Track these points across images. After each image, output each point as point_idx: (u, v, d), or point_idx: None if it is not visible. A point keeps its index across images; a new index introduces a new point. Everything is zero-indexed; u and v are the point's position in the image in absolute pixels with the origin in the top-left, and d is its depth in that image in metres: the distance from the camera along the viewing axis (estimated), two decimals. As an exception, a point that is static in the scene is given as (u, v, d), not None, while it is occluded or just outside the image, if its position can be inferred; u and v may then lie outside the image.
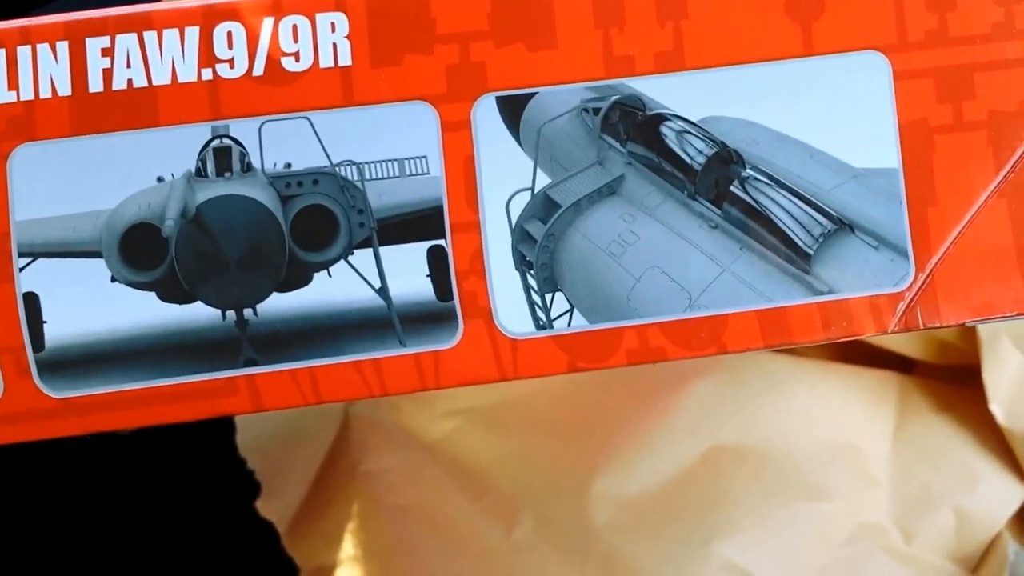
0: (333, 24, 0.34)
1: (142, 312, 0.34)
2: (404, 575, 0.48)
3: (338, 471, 0.50)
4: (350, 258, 0.35)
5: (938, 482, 0.48)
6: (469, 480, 0.48)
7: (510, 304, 0.35)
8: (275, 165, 0.34)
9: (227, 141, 0.34)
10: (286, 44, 0.34)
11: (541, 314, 0.35)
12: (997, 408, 0.48)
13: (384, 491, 0.48)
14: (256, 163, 0.34)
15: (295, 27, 0.34)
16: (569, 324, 0.35)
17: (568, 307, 0.35)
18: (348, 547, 0.48)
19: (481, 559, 0.47)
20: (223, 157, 0.34)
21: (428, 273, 0.35)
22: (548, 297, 0.35)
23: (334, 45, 0.34)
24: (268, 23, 0.34)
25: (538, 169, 0.35)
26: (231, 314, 0.34)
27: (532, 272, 0.35)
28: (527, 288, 0.35)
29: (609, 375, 0.50)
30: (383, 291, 0.34)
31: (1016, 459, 0.48)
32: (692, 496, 0.47)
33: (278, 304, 0.34)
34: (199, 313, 0.34)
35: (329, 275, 0.35)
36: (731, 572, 0.46)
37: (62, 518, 0.54)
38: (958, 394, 0.50)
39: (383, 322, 0.34)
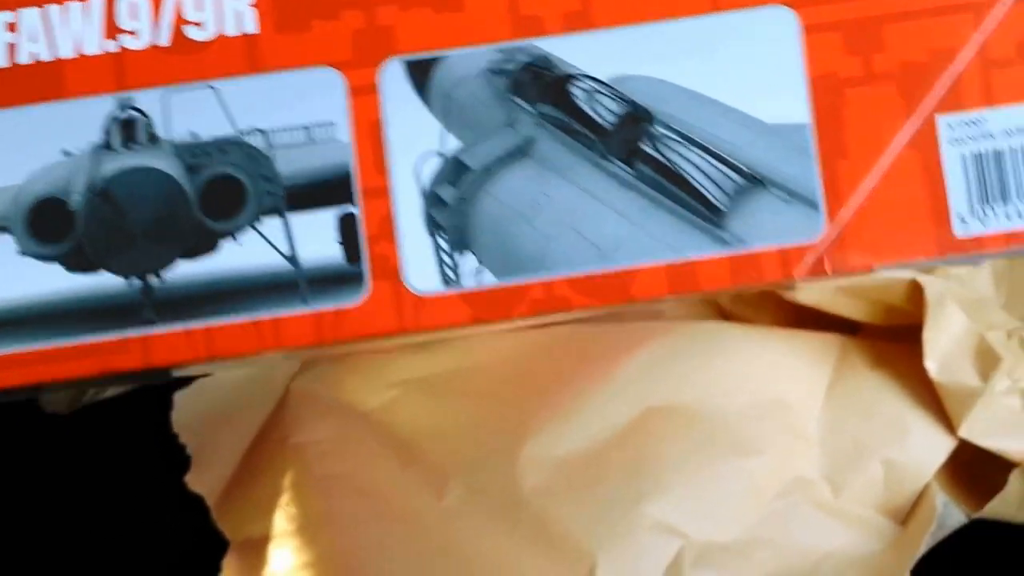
0: (237, -10, 0.34)
1: (47, 282, 0.34)
2: (332, 545, 0.47)
3: (269, 443, 0.49)
4: (258, 226, 0.34)
5: (867, 435, 0.48)
6: (400, 448, 0.48)
7: (419, 265, 0.35)
8: (181, 135, 0.34)
9: (132, 112, 0.34)
10: (190, 13, 0.34)
11: (450, 272, 0.35)
12: (932, 363, 0.48)
13: (313, 461, 0.48)
14: (162, 133, 0.34)
15: (198, -5, 0.34)
16: (478, 282, 0.35)
17: (478, 266, 0.35)
18: (277, 519, 0.48)
19: (410, 527, 0.47)
20: (128, 129, 0.34)
21: (338, 239, 0.34)
22: (458, 257, 0.35)
23: (239, 12, 0.34)
24: (170, -9, 0.34)
25: (448, 133, 0.35)
26: (136, 280, 0.34)
27: (443, 235, 0.35)
28: (438, 250, 0.35)
29: (553, 344, 0.50)
30: (292, 258, 0.34)
31: (945, 411, 0.48)
32: (622, 457, 0.47)
33: (184, 270, 0.34)
34: (104, 280, 0.34)
35: (237, 241, 0.34)
36: (661, 531, 0.46)
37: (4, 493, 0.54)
38: (897, 351, 0.50)
39: (290, 285, 0.34)
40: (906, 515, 0.48)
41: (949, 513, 0.47)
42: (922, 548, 0.46)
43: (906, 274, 0.49)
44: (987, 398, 0.48)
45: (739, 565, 0.47)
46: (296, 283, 0.34)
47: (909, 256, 0.35)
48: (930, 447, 0.48)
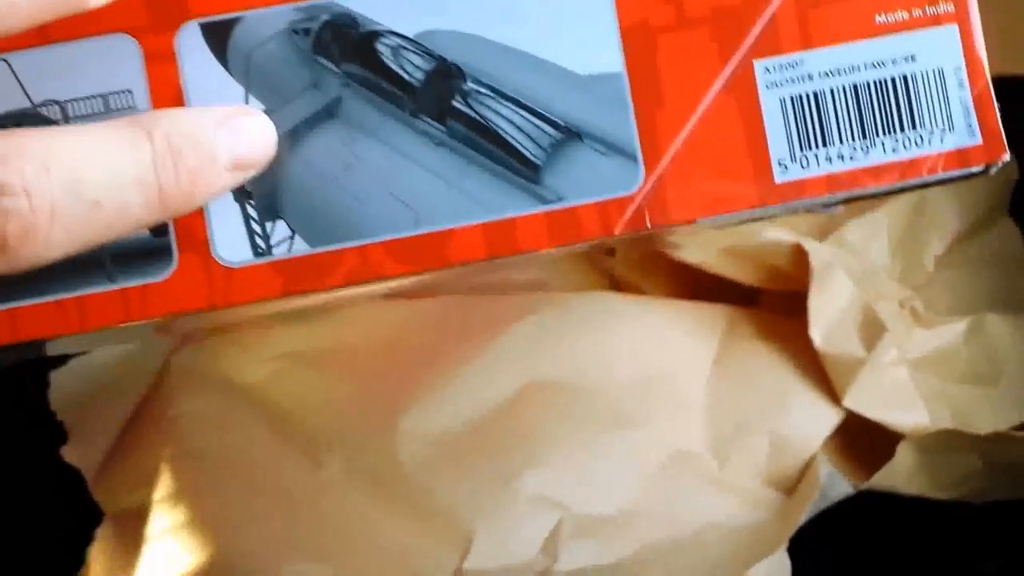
0: (21, -41, 0.33)
1: None
2: (208, 518, 0.47)
3: (147, 417, 0.49)
4: (60, 200, 0.33)
5: (752, 407, 0.47)
6: (278, 421, 0.47)
7: (229, 235, 0.34)
8: (-25, 110, 0.33)
9: (-75, 88, 0.33)
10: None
11: (261, 242, 0.34)
12: (816, 332, 0.47)
13: (188, 434, 0.48)
14: (-44, 109, 0.33)
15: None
16: (290, 250, 0.34)
17: (290, 234, 0.34)
18: (153, 491, 0.47)
19: (286, 500, 0.46)
20: (-78, 105, 0.33)
21: (143, 210, 0.34)
22: (269, 225, 0.34)
23: (28, -19, 0.33)
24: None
25: (251, 96, 0.34)
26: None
27: (251, 202, 0.34)
28: (247, 218, 0.34)
29: (435, 316, 0.49)
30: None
31: (830, 383, 0.47)
32: (501, 431, 0.46)
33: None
34: None
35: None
36: (539, 503, 0.45)
37: None
38: (786, 323, 0.49)
39: (93, 261, 0.33)
40: (791, 487, 0.47)
41: (834, 484, 0.46)
42: (803, 518, 0.46)
43: (790, 238, 0.48)
44: (872, 368, 0.47)
45: (619, 535, 0.46)
46: (101, 260, 0.33)
47: (731, 207, 0.34)
48: (815, 419, 0.47)
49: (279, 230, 0.34)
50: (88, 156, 0.29)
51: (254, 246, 0.34)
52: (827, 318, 0.47)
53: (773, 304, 0.50)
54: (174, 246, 0.34)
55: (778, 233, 0.48)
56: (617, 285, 0.51)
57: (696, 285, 0.51)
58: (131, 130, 0.30)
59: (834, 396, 0.47)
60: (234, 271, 0.34)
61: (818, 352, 0.47)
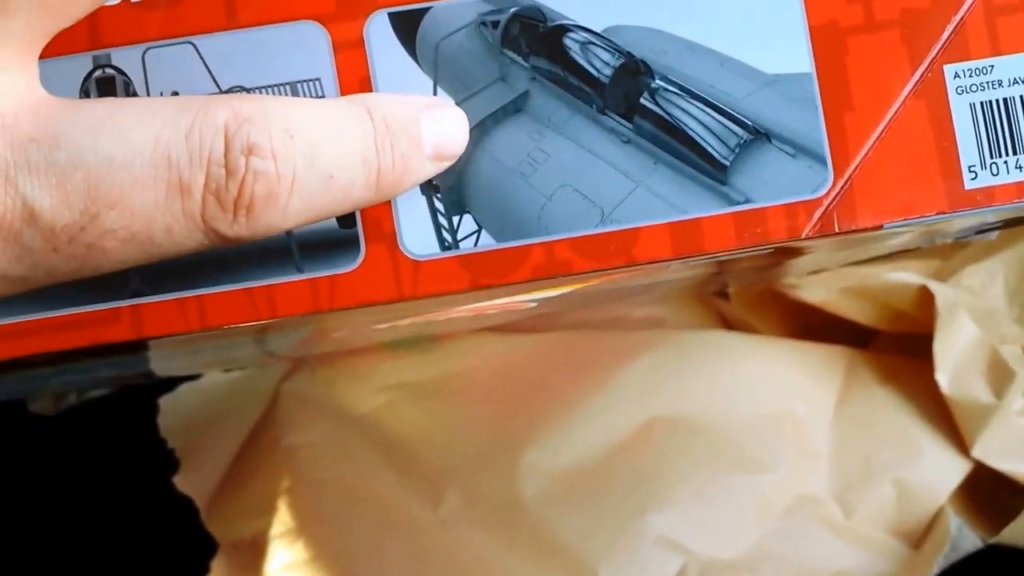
0: (212, -57, 0.33)
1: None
2: (326, 547, 0.46)
3: (261, 445, 0.48)
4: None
5: (879, 454, 0.46)
6: (395, 453, 0.46)
7: (416, 227, 0.33)
8: (161, 94, 0.33)
9: (110, 71, 0.33)
10: (164, -33, 0.33)
11: (447, 236, 0.33)
12: (942, 376, 0.46)
13: (306, 464, 0.46)
14: (141, 93, 0.33)
15: (174, -52, 0.33)
16: (476, 244, 0.33)
17: (476, 228, 0.33)
18: (267, 521, 0.46)
19: (405, 534, 0.45)
20: (107, 88, 0.33)
21: (328, 200, 0.33)
22: (455, 219, 0.33)
23: (215, -34, 0.33)
24: (145, -55, 0.33)
25: (439, 88, 0.33)
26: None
27: (439, 195, 0.33)
28: (434, 211, 0.33)
29: (549, 350, 0.48)
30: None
31: (959, 432, 0.46)
32: (625, 468, 0.45)
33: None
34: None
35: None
36: (665, 546, 0.44)
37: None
38: (907, 365, 0.48)
39: (281, 251, 0.33)
40: (919, 538, 0.46)
41: (963, 536, 0.45)
42: (934, 571, 0.45)
43: (916, 279, 0.47)
44: (1002, 416, 0.46)
45: (744, 582, 0.45)
46: (289, 250, 0.33)
47: (920, 211, 0.34)
48: (944, 468, 0.46)
49: (466, 224, 0.33)
50: (324, 128, 0.29)
51: (441, 240, 0.33)
52: (953, 361, 0.46)
53: (888, 346, 0.50)
54: (362, 237, 0.33)
55: (903, 275, 0.48)
56: (730, 326, 0.51)
57: (809, 327, 0.50)
58: (355, 108, 0.30)
59: (962, 445, 0.46)
60: (422, 263, 0.33)
61: (945, 397, 0.46)
